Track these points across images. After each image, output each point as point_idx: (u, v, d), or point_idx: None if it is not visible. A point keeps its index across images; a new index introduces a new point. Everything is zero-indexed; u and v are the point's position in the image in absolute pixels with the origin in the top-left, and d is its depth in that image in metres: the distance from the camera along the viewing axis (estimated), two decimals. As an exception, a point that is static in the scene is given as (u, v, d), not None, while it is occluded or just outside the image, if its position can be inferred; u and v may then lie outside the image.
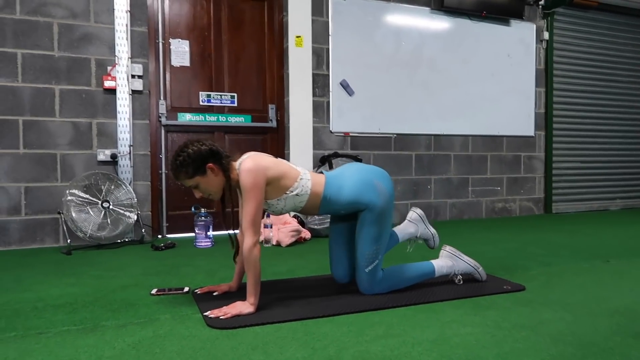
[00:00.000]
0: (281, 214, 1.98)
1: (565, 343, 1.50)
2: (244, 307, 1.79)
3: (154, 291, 2.12)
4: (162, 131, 3.79)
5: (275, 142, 4.17)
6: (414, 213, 2.37)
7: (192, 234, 3.42)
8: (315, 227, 3.66)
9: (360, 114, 4.33)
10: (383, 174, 2.05)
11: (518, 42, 5.01)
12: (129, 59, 3.54)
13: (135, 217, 3.42)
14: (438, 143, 4.68)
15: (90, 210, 3.24)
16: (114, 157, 3.50)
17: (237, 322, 1.68)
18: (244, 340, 1.54)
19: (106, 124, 3.52)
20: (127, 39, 3.52)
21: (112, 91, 3.51)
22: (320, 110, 4.20)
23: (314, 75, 4.15)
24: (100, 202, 3.28)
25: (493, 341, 1.52)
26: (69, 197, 3.19)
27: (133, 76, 3.56)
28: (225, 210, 1.95)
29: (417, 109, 4.55)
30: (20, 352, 1.46)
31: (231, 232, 1.97)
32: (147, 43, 3.66)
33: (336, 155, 3.99)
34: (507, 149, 5.02)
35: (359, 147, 4.34)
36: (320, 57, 4.18)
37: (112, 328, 1.67)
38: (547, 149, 5.20)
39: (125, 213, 3.36)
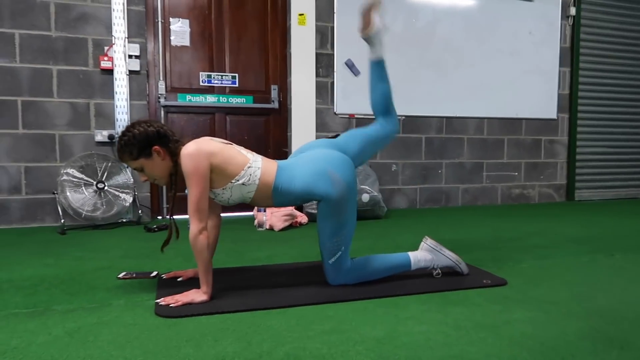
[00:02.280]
0: (229, 204, 1.89)
1: (522, 347, 1.37)
2: (197, 295, 1.74)
3: (121, 275, 2.10)
4: (162, 112, 3.76)
5: (277, 123, 4.09)
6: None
7: (187, 216, 3.40)
8: (313, 211, 3.57)
9: (366, 95, 4.14)
10: (341, 162, 1.89)
11: (541, 18, 4.69)
12: (126, 39, 3.51)
13: (131, 198, 3.42)
14: (450, 125, 4.48)
15: (85, 190, 3.26)
16: (111, 138, 3.50)
17: (184, 311, 1.63)
18: (183, 331, 1.48)
19: (104, 104, 3.51)
20: (124, 19, 3.49)
21: (109, 71, 3.49)
22: (324, 91, 4.07)
23: (317, 54, 4.01)
24: (95, 182, 3.29)
25: (444, 342, 1.41)
26: (64, 177, 3.21)
27: (130, 56, 3.53)
28: (172, 196, 1.89)
29: (428, 90, 4.36)
30: (-43, 335, 1.45)
31: (174, 217, 1.92)
32: (145, 22, 3.62)
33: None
34: (526, 132, 4.76)
35: (364, 129, 4.18)
36: (324, 36, 4.04)
37: (60, 313, 1.65)
38: (570, 133, 4.90)
39: (120, 194, 3.36)
